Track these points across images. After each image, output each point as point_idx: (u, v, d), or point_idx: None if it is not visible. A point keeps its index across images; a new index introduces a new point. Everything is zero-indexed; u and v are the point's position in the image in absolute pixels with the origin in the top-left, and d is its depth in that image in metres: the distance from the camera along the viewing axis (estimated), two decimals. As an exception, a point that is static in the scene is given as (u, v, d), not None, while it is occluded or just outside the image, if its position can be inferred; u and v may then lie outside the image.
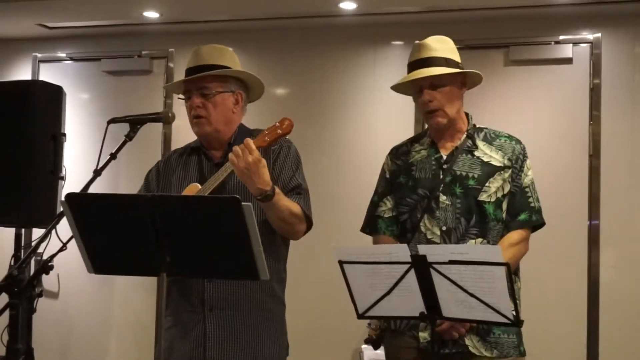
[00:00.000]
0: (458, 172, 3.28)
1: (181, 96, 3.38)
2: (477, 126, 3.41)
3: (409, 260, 2.68)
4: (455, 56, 3.34)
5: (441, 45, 3.32)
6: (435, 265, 2.66)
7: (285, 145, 3.30)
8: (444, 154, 3.34)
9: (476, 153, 3.31)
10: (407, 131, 5.67)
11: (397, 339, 3.33)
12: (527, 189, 3.31)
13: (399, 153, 3.49)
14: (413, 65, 3.32)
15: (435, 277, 2.68)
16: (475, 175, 3.26)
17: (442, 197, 3.27)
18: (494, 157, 3.30)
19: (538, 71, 5.65)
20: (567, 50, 5.56)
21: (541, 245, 5.14)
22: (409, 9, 5.59)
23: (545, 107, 5.60)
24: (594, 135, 5.48)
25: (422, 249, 2.69)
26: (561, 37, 5.58)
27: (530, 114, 5.60)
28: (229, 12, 5.86)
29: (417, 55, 3.31)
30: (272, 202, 3.05)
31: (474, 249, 2.94)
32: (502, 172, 3.28)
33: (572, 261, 5.46)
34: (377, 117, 5.88)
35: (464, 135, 3.35)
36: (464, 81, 3.37)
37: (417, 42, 3.36)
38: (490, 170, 3.27)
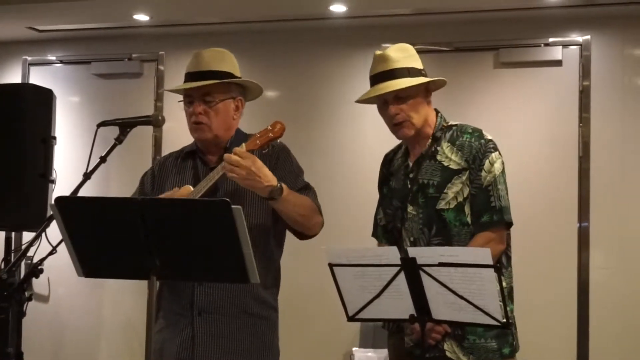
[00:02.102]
0: (421, 181, 3.23)
1: (180, 98, 3.36)
2: (449, 124, 3.33)
3: (399, 262, 2.69)
4: (417, 63, 3.28)
5: (402, 55, 3.25)
6: (424, 268, 2.66)
7: (284, 152, 3.32)
8: (411, 163, 3.31)
9: (438, 157, 3.24)
10: (397, 134, 5.68)
11: (390, 339, 3.37)
12: (489, 188, 3.17)
13: (385, 161, 3.50)
14: (376, 78, 3.26)
15: (425, 279, 2.68)
16: (435, 183, 3.20)
17: (410, 208, 3.24)
18: (454, 159, 3.21)
19: (528, 73, 5.66)
20: (556, 53, 5.57)
21: (531, 246, 5.19)
22: (399, 11, 5.60)
23: (535, 109, 5.61)
24: (584, 137, 5.50)
25: (412, 252, 2.70)
26: (551, 40, 5.59)
27: (520, 116, 5.61)
28: (220, 14, 5.85)
29: (379, 67, 3.25)
30: (284, 197, 3.05)
31: (464, 251, 2.91)
32: (460, 175, 3.19)
33: (562, 263, 5.47)
34: (368, 120, 5.86)
35: (429, 140, 3.28)
36: (429, 88, 3.31)
37: (377, 52, 3.30)
38: (448, 175, 3.19)
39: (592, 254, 5.43)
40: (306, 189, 3.29)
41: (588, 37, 5.54)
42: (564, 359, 5.41)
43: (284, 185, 3.06)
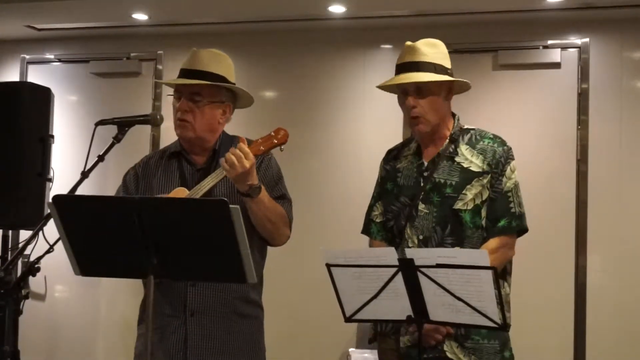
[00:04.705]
0: (437, 180, 3.22)
1: (170, 92, 3.37)
2: (465, 127, 3.34)
3: (397, 263, 2.69)
4: (445, 62, 3.27)
5: (431, 50, 3.25)
6: (422, 269, 2.66)
7: (267, 158, 3.31)
8: (426, 161, 3.29)
9: (457, 159, 3.23)
10: (395, 134, 5.68)
11: (383, 341, 3.34)
12: (508, 194, 3.21)
13: (389, 157, 3.46)
14: (401, 68, 3.25)
15: (423, 280, 2.68)
16: (453, 183, 3.19)
17: (421, 206, 3.22)
18: (474, 162, 3.22)
19: (526, 75, 5.66)
20: (555, 55, 5.58)
21: (528, 249, 5.17)
22: (398, 12, 5.60)
23: (533, 112, 5.61)
24: (582, 140, 5.50)
25: (410, 253, 2.69)
26: (549, 42, 5.60)
27: (518, 118, 5.61)
28: (218, 14, 5.85)
29: (406, 57, 3.25)
30: (259, 197, 3.06)
31: (462, 252, 2.91)
32: (480, 178, 3.19)
33: (559, 265, 5.47)
34: (366, 121, 5.88)
35: (447, 141, 3.28)
36: (452, 88, 3.30)
37: (407, 43, 3.28)
38: (468, 177, 3.19)
39: (589, 257, 5.44)
40: (282, 199, 3.29)
41: (587, 39, 5.55)
42: (560, 361, 5.42)
43: (262, 187, 3.08)
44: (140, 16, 5.86)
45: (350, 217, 5.74)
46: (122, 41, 6.35)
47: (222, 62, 3.33)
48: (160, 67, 6.27)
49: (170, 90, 3.37)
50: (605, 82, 5.53)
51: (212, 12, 5.78)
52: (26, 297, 3.17)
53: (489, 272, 2.59)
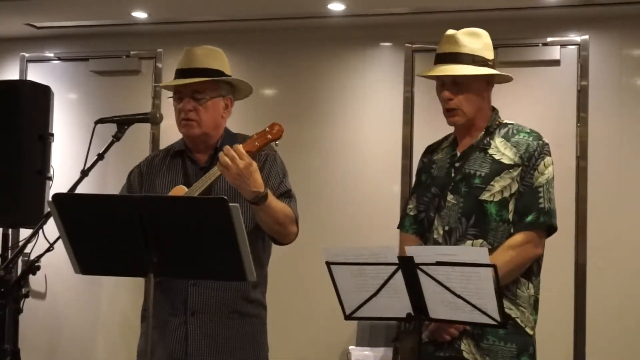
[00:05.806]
0: (467, 171, 3.15)
1: (170, 95, 3.36)
2: (504, 122, 3.30)
3: (396, 261, 2.69)
4: (486, 52, 3.23)
5: (471, 40, 3.20)
6: (422, 267, 2.66)
7: (271, 154, 3.30)
8: (459, 152, 3.23)
9: (490, 151, 3.17)
10: (395, 132, 5.69)
11: (405, 339, 3.29)
12: (539, 189, 3.13)
13: (428, 151, 3.41)
14: (439, 58, 3.21)
15: (423, 278, 2.68)
16: (482, 174, 3.12)
17: (450, 196, 3.15)
18: (507, 154, 3.15)
19: (526, 73, 5.65)
20: (554, 52, 5.57)
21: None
22: (397, 10, 5.59)
23: (533, 109, 5.60)
24: (581, 137, 5.50)
25: (410, 250, 2.69)
26: (549, 39, 5.59)
27: (517, 115, 5.51)
28: (218, 12, 5.85)
29: (445, 47, 3.20)
30: (266, 204, 3.05)
31: (462, 250, 2.88)
32: (511, 170, 3.12)
33: (558, 262, 5.45)
34: (366, 118, 5.88)
35: (482, 133, 3.23)
36: (491, 80, 3.26)
37: (448, 32, 3.23)
38: (498, 169, 3.12)
39: (589, 253, 5.43)
40: (288, 196, 3.27)
41: (586, 37, 5.55)
42: (560, 358, 5.40)
43: (269, 192, 3.06)
44: (140, 14, 5.86)
45: (350, 215, 5.76)
46: (122, 39, 6.35)
47: (216, 57, 3.33)
48: (159, 65, 6.27)
49: (171, 92, 3.37)
50: (604, 79, 5.53)
51: (212, 10, 5.79)
52: (26, 295, 3.18)
53: (489, 270, 2.60)
